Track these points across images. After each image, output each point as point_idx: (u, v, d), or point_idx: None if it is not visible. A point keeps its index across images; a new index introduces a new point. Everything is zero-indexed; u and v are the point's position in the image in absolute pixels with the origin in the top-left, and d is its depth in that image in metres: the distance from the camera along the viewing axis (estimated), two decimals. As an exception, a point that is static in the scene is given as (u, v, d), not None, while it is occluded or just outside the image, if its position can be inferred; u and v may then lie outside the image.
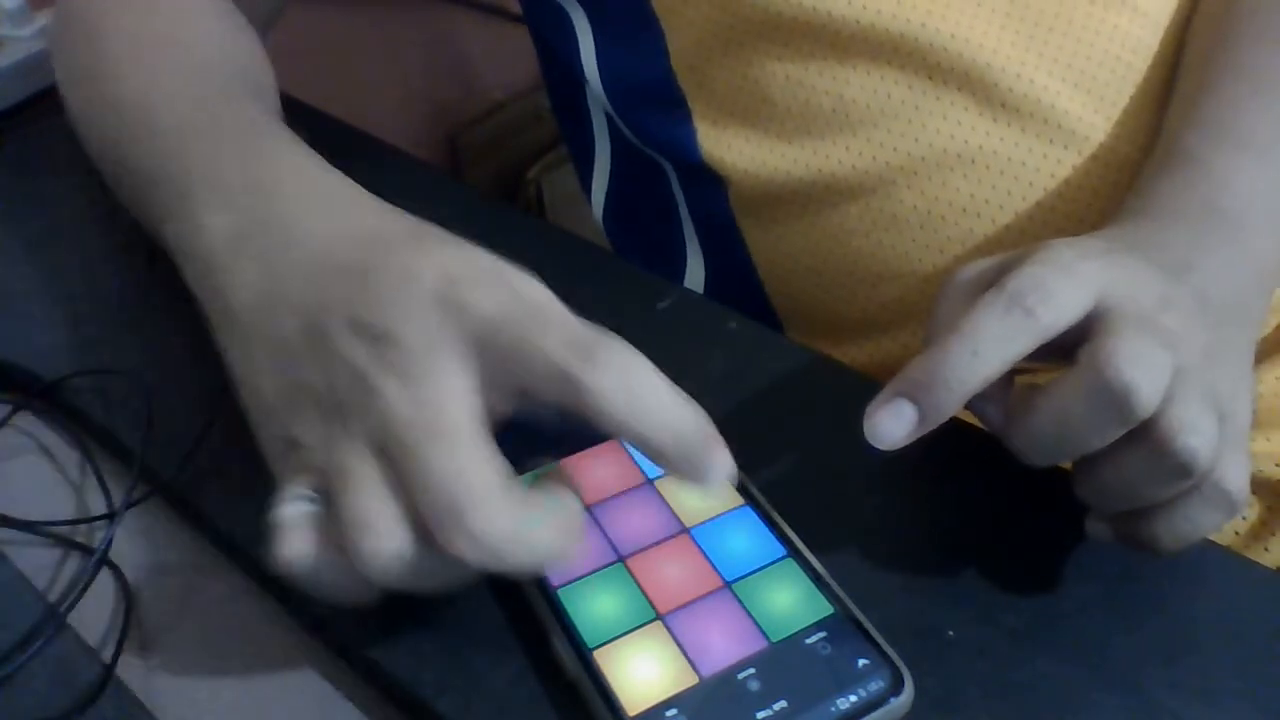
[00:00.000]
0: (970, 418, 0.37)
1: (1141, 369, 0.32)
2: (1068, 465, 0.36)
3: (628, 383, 0.31)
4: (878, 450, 0.34)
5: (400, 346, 0.32)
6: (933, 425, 0.34)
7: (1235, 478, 0.34)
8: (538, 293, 0.33)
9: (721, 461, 0.32)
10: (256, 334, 0.35)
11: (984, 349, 0.33)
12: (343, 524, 0.31)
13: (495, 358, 0.32)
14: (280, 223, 0.37)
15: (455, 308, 0.32)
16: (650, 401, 0.31)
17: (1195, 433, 0.32)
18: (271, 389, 0.34)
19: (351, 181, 0.39)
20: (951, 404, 0.34)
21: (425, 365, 0.31)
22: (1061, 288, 0.34)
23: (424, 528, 0.31)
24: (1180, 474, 0.33)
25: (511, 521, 0.30)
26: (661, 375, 0.32)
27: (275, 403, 0.34)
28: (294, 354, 0.34)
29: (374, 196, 0.39)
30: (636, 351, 0.32)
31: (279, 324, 0.34)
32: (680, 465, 0.31)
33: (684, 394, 0.32)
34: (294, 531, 0.32)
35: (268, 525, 0.32)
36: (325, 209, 0.38)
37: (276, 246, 0.36)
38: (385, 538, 0.31)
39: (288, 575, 0.32)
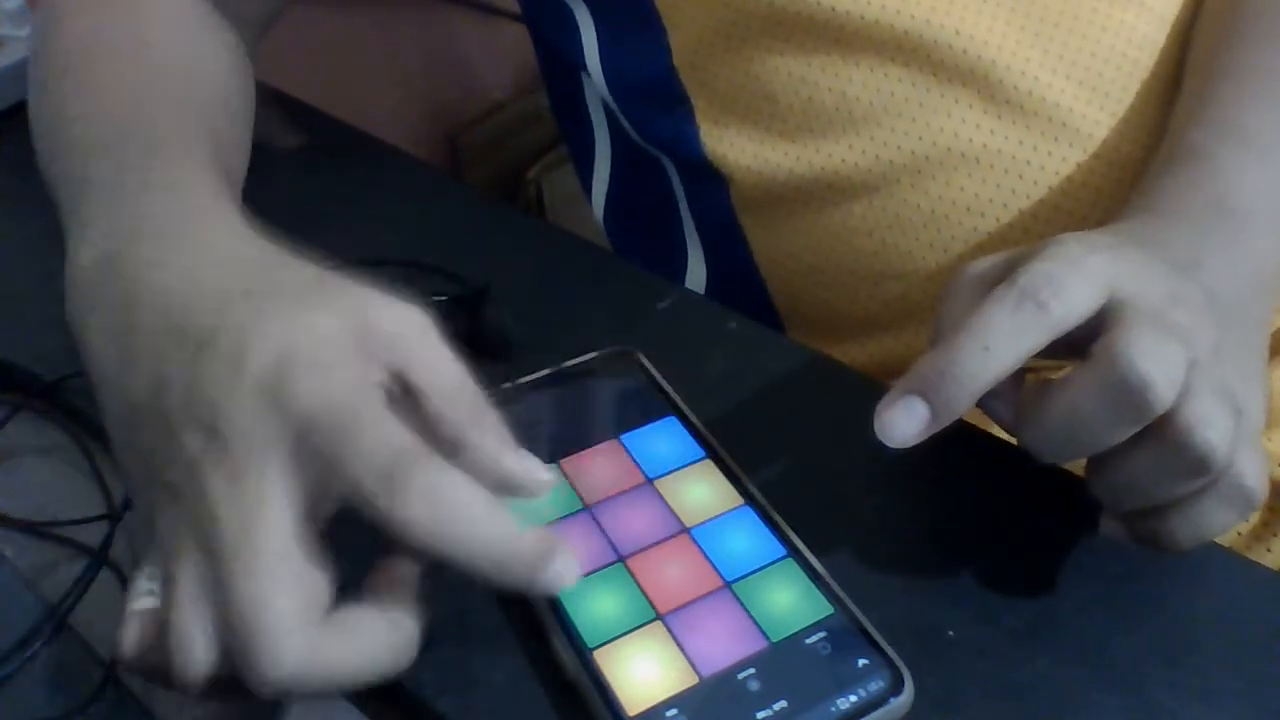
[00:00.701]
0: (974, 417, 0.37)
1: (1156, 363, 0.31)
2: (1074, 466, 0.36)
3: (434, 512, 0.29)
4: (883, 449, 0.34)
5: (224, 440, 0.29)
6: (945, 423, 0.34)
7: (1252, 474, 0.33)
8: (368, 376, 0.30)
9: (555, 571, 0.30)
10: (112, 395, 0.33)
11: (996, 344, 0.33)
12: (163, 629, 0.30)
13: (316, 454, 0.29)
14: (131, 274, 0.34)
15: (277, 397, 0.30)
16: (458, 529, 0.29)
17: (1212, 427, 0.32)
18: (129, 460, 0.32)
19: (238, 222, 0.36)
20: (963, 401, 0.33)
21: (246, 464, 0.29)
22: (1073, 282, 0.33)
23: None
24: (1197, 470, 0.32)
25: (304, 655, 0.28)
26: (479, 492, 0.30)
27: (134, 473, 0.32)
28: (141, 428, 0.32)
29: (258, 240, 0.35)
30: (447, 468, 0.30)
31: (129, 390, 0.32)
32: (504, 584, 0.30)
33: (501, 512, 0.30)
34: (131, 628, 0.30)
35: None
36: (181, 258, 0.34)
37: (123, 302, 0.34)
38: (193, 655, 0.29)
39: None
